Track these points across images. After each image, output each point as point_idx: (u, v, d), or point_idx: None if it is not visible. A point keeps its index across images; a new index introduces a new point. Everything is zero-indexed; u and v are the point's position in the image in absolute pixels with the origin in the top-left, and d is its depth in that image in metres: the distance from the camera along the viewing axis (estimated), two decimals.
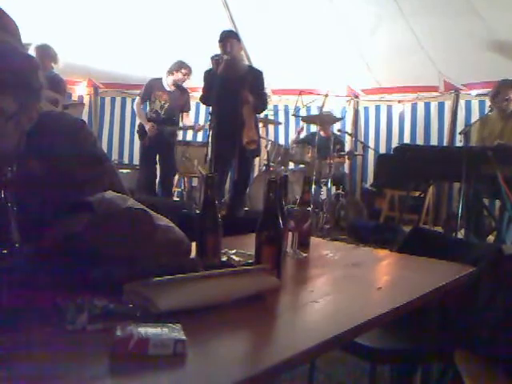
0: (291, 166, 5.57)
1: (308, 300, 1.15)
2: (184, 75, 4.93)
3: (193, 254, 1.17)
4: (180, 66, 4.89)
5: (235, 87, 3.80)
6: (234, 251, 1.33)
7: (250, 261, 1.20)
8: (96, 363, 0.68)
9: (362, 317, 1.00)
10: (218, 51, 3.84)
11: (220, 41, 3.86)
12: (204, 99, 4.13)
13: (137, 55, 5.83)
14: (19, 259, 0.73)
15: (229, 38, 3.85)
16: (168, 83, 4.96)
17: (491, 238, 3.81)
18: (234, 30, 5.04)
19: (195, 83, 5.58)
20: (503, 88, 3.67)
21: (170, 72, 4.90)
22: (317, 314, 1.05)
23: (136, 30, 5.54)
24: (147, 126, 4.90)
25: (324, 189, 5.19)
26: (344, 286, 1.26)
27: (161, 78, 5.01)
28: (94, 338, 0.74)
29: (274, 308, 1.05)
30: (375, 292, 1.23)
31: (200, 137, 6.61)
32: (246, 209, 4.91)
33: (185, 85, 5.26)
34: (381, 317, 1.05)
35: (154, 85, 4.98)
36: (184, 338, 0.71)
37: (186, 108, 5.24)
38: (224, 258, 1.27)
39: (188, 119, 5.47)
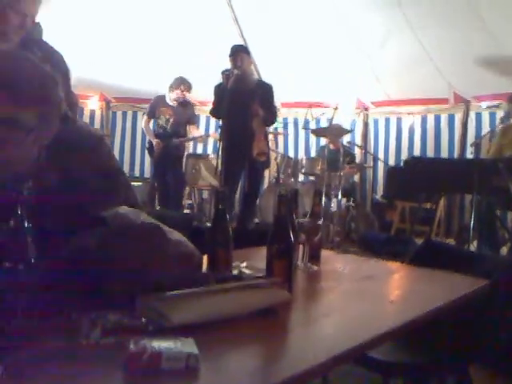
0: (301, 178, 5.57)
1: (320, 314, 1.15)
2: (182, 91, 5.03)
3: (204, 267, 1.17)
4: (179, 83, 5.01)
5: (245, 100, 3.85)
6: (244, 264, 1.33)
7: (261, 274, 1.20)
8: (109, 377, 0.68)
9: (375, 330, 1.00)
10: (228, 65, 3.90)
11: (230, 55, 3.92)
12: (214, 112, 4.18)
13: (148, 69, 5.90)
14: (35, 274, 0.74)
15: (239, 53, 3.92)
16: (170, 98, 5.07)
17: (504, 249, 3.77)
18: (244, 44, 5.11)
19: (205, 97, 5.64)
20: None
21: (171, 88, 5.05)
22: (329, 328, 1.05)
23: (147, 44, 5.62)
24: (154, 143, 5.02)
25: (334, 201, 5.18)
26: (356, 300, 1.26)
27: (164, 95, 5.14)
28: (107, 352, 0.75)
29: (285, 322, 1.05)
30: (387, 305, 1.22)
31: (210, 149, 6.65)
32: (257, 221, 4.92)
33: (194, 99, 5.35)
34: (393, 330, 1.05)
35: (158, 101, 5.12)
36: (197, 352, 0.71)
37: (192, 121, 5.34)
38: (235, 272, 1.28)
39: (197, 132, 5.53)
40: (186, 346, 0.72)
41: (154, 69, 5.86)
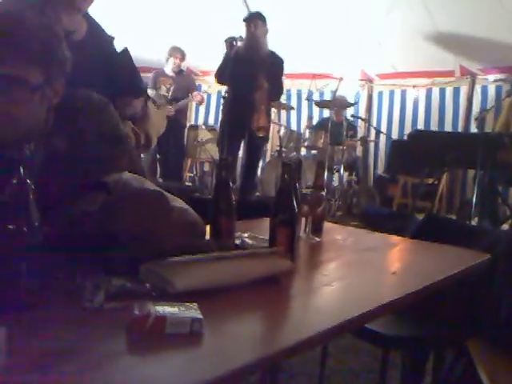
0: (303, 152, 5.54)
1: (321, 283, 1.15)
2: (176, 59, 5.12)
3: (207, 236, 1.17)
4: (172, 51, 5.10)
5: (252, 70, 3.75)
6: (247, 234, 1.33)
7: (264, 244, 1.20)
8: (113, 341, 0.69)
9: (376, 301, 1.00)
10: (232, 34, 3.80)
11: (245, 20, 3.82)
12: (217, 77, 4.06)
13: (150, 38, 5.79)
14: (38, 237, 0.74)
15: (254, 19, 3.81)
16: (169, 69, 5.18)
17: (505, 226, 3.77)
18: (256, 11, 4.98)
19: (208, 67, 5.56)
20: None
21: (166, 59, 5.15)
22: (330, 298, 1.05)
23: (150, 15, 5.49)
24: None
25: (336, 175, 5.17)
26: (357, 271, 1.26)
27: (162, 69, 5.24)
28: (111, 316, 0.75)
29: (287, 290, 1.06)
30: (389, 277, 1.22)
31: (212, 121, 6.60)
32: (258, 194, 4.91)
33: (196, 69, 5.33)
34: (394, 302, 1.05)
35: (158, 73, 5.22)
36: (201, 316, 0.71)
37: (192, 88, 5.37)
38: (238, 241, 1.28)
39: (199, 97, 5.50)
40: (190, 311, 0.72)
41: (156, 38, 5.75)
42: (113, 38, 2.06)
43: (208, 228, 1.19)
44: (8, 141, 0.95)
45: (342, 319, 0.89)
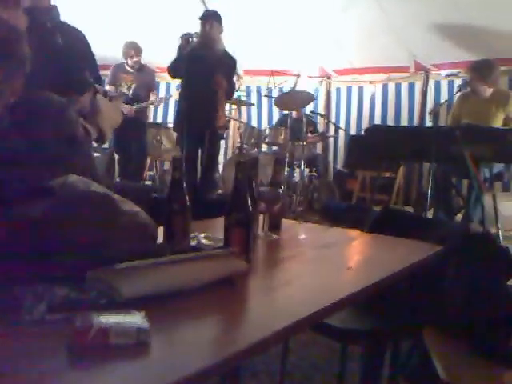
0: (264, 148, 5.55)
1: (278, 282, 1.14)
2: (132, 57, 4.99)
3: (161, 238, 1.14)
4: (128, 48, 4.97)
5: (208, 68, 3.73)
6: (203, 235, 1.31)
7: (220, 245, 1.18)
8: (54, 356, 0.65)
9: (333, 297, 1.00)
10: (189, 30, 3.76)
11: (201, 18, 3.78)
12: (171, 69, 3.99)
13: (105, 35, 5.64)
14: None
15: (209, 19, 3.78)
16: (129, 65, 5.00)
17: (460, 216, 3.90)
18: (210, 9, 4.94)
19: (164, 63, 5.46)
20: (472, 79, 3.66)
21: (124, 55, 5.03)
22: (287, 296, 1.04)
23: (105, 10, 5.34)
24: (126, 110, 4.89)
25: (297, 171, 5.20)
26: (314, 267, 1.26)
27: (123, 62, 5.07)
28: (53, 328, 0.71)
29: (243, 291, 1.04)
30: (345, 272, 1.23)
31: (171, 118, 6.50)
32: (220, 191, 4.88)
33: (153, 65, 5.22)
34: (351, 296, 1.06)
35: (119, 69, 5.05)
36: (147, 325, 0.69)
37: (152, 86, 5.27)
38: (193, 242, 1.25)
39: (155, 98, 5.41)
40: (136, 319, 0.69)
41: (111, 34, 5.60)
42: (54, 8, 1.98)
43: (162, 230, 1.16)
44: None
45: (299, 317, 0.89)
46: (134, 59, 4.99)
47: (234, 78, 5.30)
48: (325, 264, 1.30)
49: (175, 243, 1.14)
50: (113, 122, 4.09)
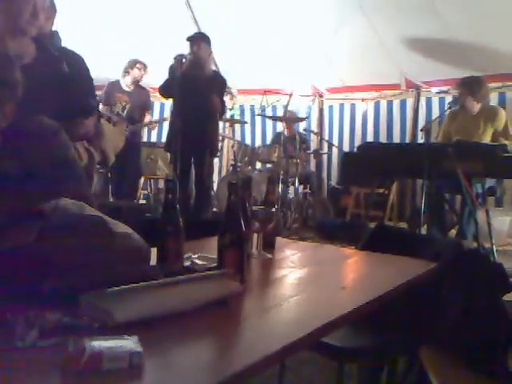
0: (258, 165, 5.58)
1: (273, 303, 1.14)
2: (140, 70, 5.01)
3: (154, 260, 1.14)
4: (134, 63, 4.97)
5: (200, 88, 3.79)
6: (197, 255, 1.31)
7: (213, 265, 1.18)
8: (47, 382, 0.65)
9: (327, 317, 1.00)
10: (182, 52, 3.81)
11: (188, 40, 3.85)
12: (163, 90, 4.05)
13: (98, 55, 5.69)
14: None
15: (197, 40, 3.86)
16: (126, 83, 5.03)
17: (453, 232, 3.92)
18: (198, 30, 5.02)
19: (158, 83, 5.50)
20: (461, 94, 3.73)
21: (126, 71, 5.01)
22: (281, 317, 1.04)
23: (98, 29, 5.40)
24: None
25: (291, 188, 5.22)
26: (309, 287, 1.26)
27: (118, 80, 5.05)
28: (45, 355, 0.70)
29: (237, 313, 1.04)
30: (339, 291, 1.23)
31: (165, 138, 6.53)
32: (214, 210, 4.88)
33: (147, 84, 5.26)
34: (345, 316, 1.06)
35: (113, 88, 5.03)
36: (140, 349, 0.68)
37: (147, 106, 5.28)
38: (187, 263, 1.25)
39: (150, 118, 5.43)
40: (128, 344, 0.69)
41: (104, 55, 5.65)
42: (56, 34, 2.06)
43: (155, 251, 1.16)
44: None
45: (293, 339, 0.88)
46: (139, 75, 4.99)
47: (228, 97, 5.38)
48: (319, 283, 1.30)
49: (169, 265, 1.14)
50: (117, 145, 4.14)
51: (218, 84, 3.92)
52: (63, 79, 1.96)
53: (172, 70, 3.91)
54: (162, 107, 6.53)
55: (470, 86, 3.69)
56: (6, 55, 1.06)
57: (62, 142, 1.17)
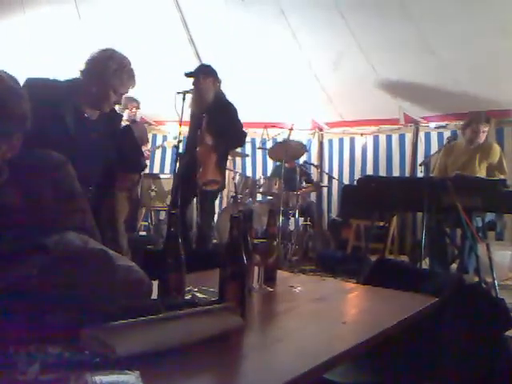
0: (259, 197, 5.60)
1: (274, 338, 1.14)
2: (131, 109, 5.18)
3: (155, 293, 1.14)
4: (127, 102, 5.12)
5: (196, 124, 3.70)
6: (198, 289, 1.31)
7: (214, 298, 1.18)
8: None
9: (327, 353, 1.00)
10: (188, 85, 3.83)
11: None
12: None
13: None
14: None
15: (197, 73, 3.78)
16: (124, 118, 5.13)
17: (455, 265, 3.90)
18: (202, 63, 5.10)
19: (164, 116, 5.63)
20: (475, 120, 3.82)
21: (120, 109, 5.11)
22: (283, 353, 1.04)
23: None
24: None
25: (292, 220, 5.22)
26: (310, 322, 1.25)
27: None
28: None
29: (238, 349, 1.03)
30: (340, 327, 1.23)
31: (167, 169, 6.58)
32: (215, 241, 4.87)
33: (150, 119, 5.37)
34: (345, 353, 1.05)
35: None
36: None
37: (144, 140, 5.41)
38: (188, 297, 1.25)
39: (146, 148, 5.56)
40: (130, 379, 0.69)
41: None
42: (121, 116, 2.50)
43: (157, 284, 1.17)
44: None
45: (294, 375, 0.88)
46: (133, 113, 5.14)
47: None
48: (320, 318, 1.29)
49: (170, 298, 1.14)
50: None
51: (225, 114, 3.67)
52: (119, 136, 2.33)
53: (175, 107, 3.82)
54: (165, 140, 6.60)
55: (486, 116, 3.81)
56: (15, 88, 1.08)
57: (68, 175, 1.18)
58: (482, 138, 3.81)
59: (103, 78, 2.18)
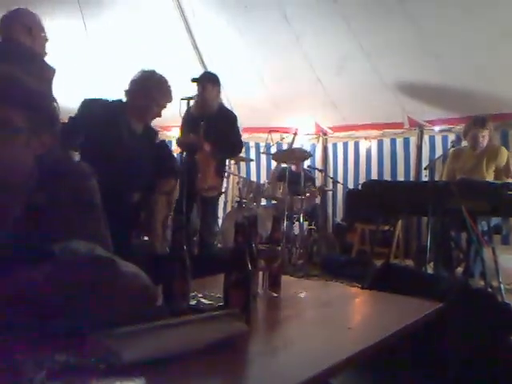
0: (264, 201, 5.60)
1: (279, 344, 1.14)
2: None
3: (160, 299, 1.14)
4: None
5: (191, 129, 3.71)
6: (203, 294, 1.31)
7: (219, 304, 1.18)
8: None
9: (333, 359, 1.00)
10: (188, 92, 3.85)
11: (193, 81, 3.84)
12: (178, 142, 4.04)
13: (106, 93, 5.84)
14: None
15: (201, 81, 3.81)
16: None
17: (460, 269, 3.88)
18: (207, 71, 5.11)
19: (168, 123, 5.64)
20: (472, 127, 3.81)
21: None
22: (288, 358, 1.04)
23: (104, 67, 5.56)
24: None
25: (296, 224, 5.22)
26: (315, 327, 1.25)
27: None
28: None
29: (243, 354, 1.03)
30: (346, 332, 1.23)
31: None
32: (219, 245, 4.87)
33: (155, 124, 5.36)
34: (351, 358, 1.05)
35: None
36: None
37: None
38: (193, 302, 1.25)
39: None
40: None
41: (111, 93, 5.79)
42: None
43: (162, 289, 1.17)
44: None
45: (299, 381, 0.88)
46: None
47: None
48: (325, 323, 1.29)
49: (175, 304, 1.14)
50: None
51: (221, 123, 3.75)
52: (158, 147, 2.72)
53: (184, 113, 3.86)
54: (170, 145, 6.62)
55: (482, 120, 3.79)
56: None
57: (91, 187, 1.22)
58: (484, 142, 3.80)
59: (146, 94, 2.54)
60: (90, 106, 2.54)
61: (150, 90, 2.56)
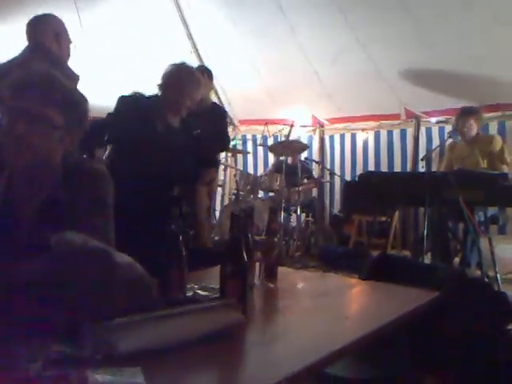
0: (261, 194, 5.60)
1: (275, 333, 1.14)
2: None
3: (156, 290, 1.14)
4: None
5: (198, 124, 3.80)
6: (199, 286, 1.31)
7: (216, 295, 1.18)
8: None
9: (330, 347, 1.00)
10: None
11: None
12: None
13: (100, 86, 5.80)
14: None
15: (202, 75, 3.82)
16: None
17: (457, 260, 3.90)
18: (200, 63, 5.10)
19: None
20: (460, 117, 3.83)
21: None
22: (284, 348, 1.04)
23: (99, 60, 5.52)
24: None
25: (294, 216, 5.23)
26: (312, 317, 1.26)
27: None
28: None
29: (240, 344, 1.04)
30: (342, 322, 1.23)
31: None
32: (216, 238, 4.87)
33: None
34: (348, 347, 1.06)
35: None
36: (143, 382, 0.68)
37: None
38: (189, 293, 1.25)
39: None
40: (132, 376, 0.69)
41: (107, 86, 5.76)
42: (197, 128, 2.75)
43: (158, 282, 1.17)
44: (22, 164, 1.15)
45: (296, 369, 0.88)
46: None
47: (230, 128, 5.33)
48: (322, 313, 1.29)
49: (171, 296, 1.14)
50: None
51: (217, 117, 3.74)
52: (197, 139, 2.69)
53: None
54: None
55: (469, 109, 3.82)
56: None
57: (106, 188, 1.27)
58: (471, 130, 3.81)
59: (179, 86, 2.53)
60: (127, 101, 2.56)
61: (181, 83, 2.56)
